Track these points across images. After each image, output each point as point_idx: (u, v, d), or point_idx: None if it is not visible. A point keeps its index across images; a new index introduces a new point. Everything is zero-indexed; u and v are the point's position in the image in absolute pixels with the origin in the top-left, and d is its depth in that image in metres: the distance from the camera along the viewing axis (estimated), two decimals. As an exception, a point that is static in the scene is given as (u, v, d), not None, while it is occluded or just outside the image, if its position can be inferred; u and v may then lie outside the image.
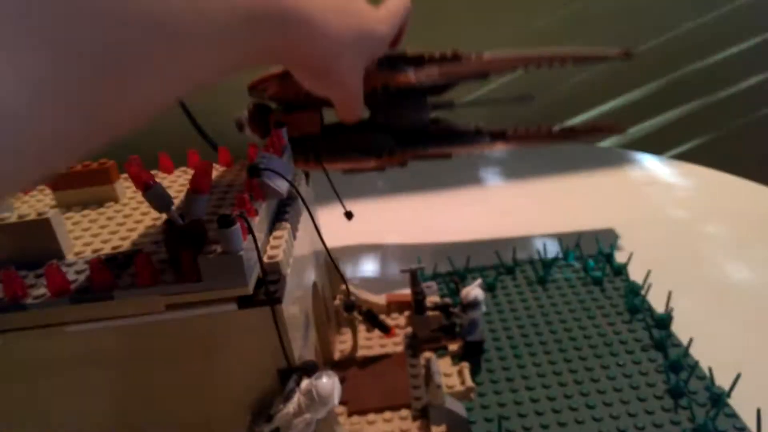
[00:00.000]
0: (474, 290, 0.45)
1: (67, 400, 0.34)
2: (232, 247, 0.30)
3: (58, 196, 0.43)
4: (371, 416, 0.43)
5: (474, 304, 0.45)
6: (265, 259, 0.34)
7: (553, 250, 0.61)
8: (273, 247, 0.35)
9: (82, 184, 0.43)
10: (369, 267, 0.65)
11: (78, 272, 0.33)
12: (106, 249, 0.36)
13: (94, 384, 0.34)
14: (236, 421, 0.35)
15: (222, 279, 0.31)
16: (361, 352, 0.50)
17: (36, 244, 0.35)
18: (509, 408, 0.42)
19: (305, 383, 0.32)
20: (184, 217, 0.32)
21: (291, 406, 0.32)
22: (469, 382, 0.41)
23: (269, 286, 0.32)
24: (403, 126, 0.55)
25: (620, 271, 0.56)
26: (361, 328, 0.51)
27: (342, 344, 0.51)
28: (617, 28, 0.98)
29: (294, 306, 0.35)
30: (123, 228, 0.39)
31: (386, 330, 0.49)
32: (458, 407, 0.38)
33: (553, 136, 0.59)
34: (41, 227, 0.35)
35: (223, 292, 0.31)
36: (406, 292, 0.52)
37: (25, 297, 0.31)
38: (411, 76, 0.53)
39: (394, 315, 0.54)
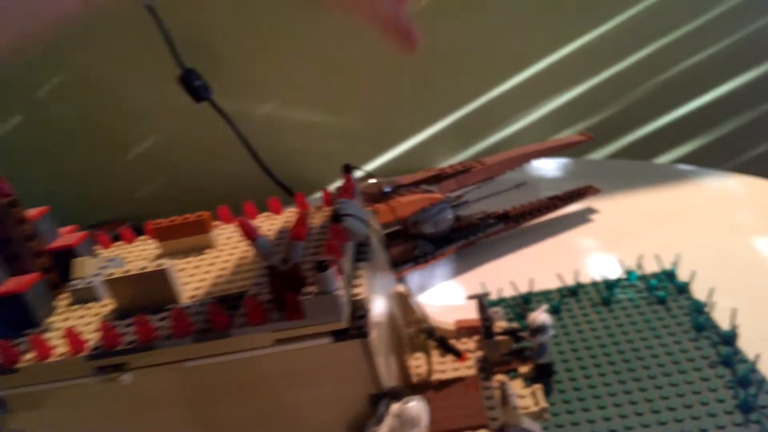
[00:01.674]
0: (541, 315, 0.47)
1: (185, 429, 0.39)
2: (329, 288, 0.34)
3: (163, 245, 0.49)
4: (450, 437, 0.46)
5: (542, 329, 0.47)
6: (352, 296, 0.38)
7: (614, 270, 0.63)
8: (357, 286, 0.39)
9: (183, 234, 0.48)
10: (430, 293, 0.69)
11: (195, 314, 0.38)
12: (215, 293, 0.41)
13: (208, 414, 0.39)
14: (332, 445, 0.39)
15: (321, 315, 0.35)
16: (435, 376, 0.53)
17: (155, 292, 0.40)
18: (583, 427, 0.45)
19: (395, 407, 0.36)
20: (284, 261, 0.37)
21: (384, 429, 0.36)
22: (543, 403, 0.44)
23: (357, 321, 0.36)
24: (439, 231, 0.70)
25: (683, 289, 0.58)
26: (434, 353, 0.54)
27: (416, 369, 0.54)
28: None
29: (378, 336, 0.39)
30: (225, 272, 0.44)
31: (458, 355, 0.52)
32: (535, 427, 0.41)
33: (542, 208, 0.76)
34: (159, 277, 0.40)
35: (322, 327, 0.35)
36: (475, 317, 0.56)
37: (155, 338, 0.36)
38: (438, 193, 0.70)
39: (464, 339, 0.58)
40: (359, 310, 0.37)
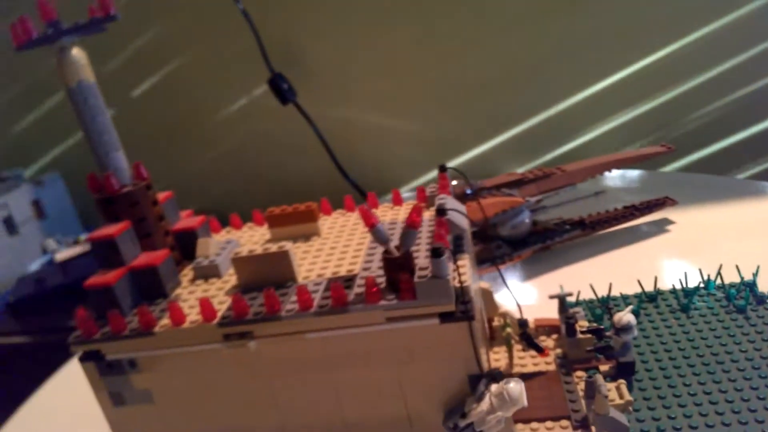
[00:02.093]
0: (627, 315, 0.50)
1: (299, 395, 0.43)
2: (442, 273, 0.38)
3: (273, 232, 0.54)
4: (534, 425, 0.48)
5: (627, 328, 0.50)
6: (456, 284, 0.42)
7: (693, 279, 0.64)
8: (461, 274, 0.43)
9: (292, 222, 0.53)
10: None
11: (313, 291, 0.42)
12: (327, 274, 0.45)
13: (320, 382, 0.43)
14: (430, 417, 0.42)
15: (432, 297, 0.39)
16: (516, 369, 0.56)
17: (276, 271, 0.45)
18: (664, 422, 0.47)
19: (495, 387, 0.39)
20: (396, 247, 0.41)
21: (484, 405, 0.39)
22: (627, 396, 0.46)
23: (463, 306, 0.40)
24: (517, 234, 0.73)
25: (763, 299, 0.59)
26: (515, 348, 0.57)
27: (495, 362, 0.57)
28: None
29: (478, 323, 0.42)
30: (332, 258, 0.48)
31: (540, 350, 0.55)
32: (621, 417, 0.43)
33: (618, 217, 0.78)
34: (281, 257, 0.44)
35: (432, 309, 0.39)
36: (552, 317, 0.59)
37: (280, 310, 0.41)
38: (518, 197, 0.72)
39: (542, 337, 0.60)
40: (464, 296, 0.41)
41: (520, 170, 0.80)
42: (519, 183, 0.74)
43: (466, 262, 0.44)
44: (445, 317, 0.39)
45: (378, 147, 1.15)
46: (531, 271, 0.74)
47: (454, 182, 0.74)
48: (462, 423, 0.40)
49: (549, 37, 1.00)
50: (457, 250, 0.47)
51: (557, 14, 0.99)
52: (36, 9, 0.43)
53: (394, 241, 0.41)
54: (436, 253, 0.38)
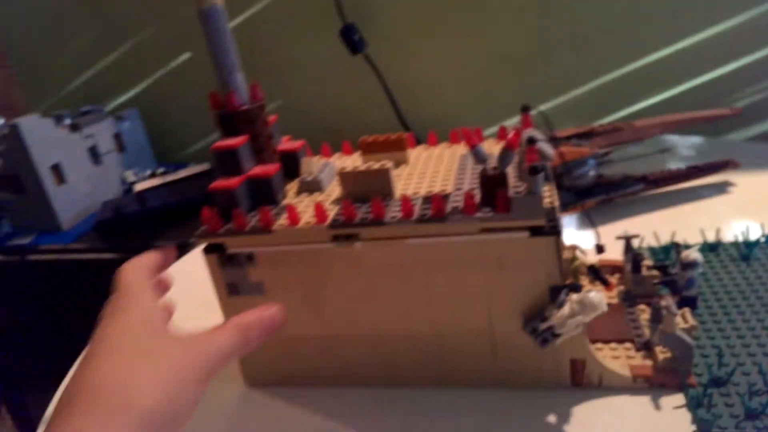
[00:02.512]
0: (694, 253, 0.53)
1: (395, 296, 0.48)
2: (537, 190, 0.42)
3: (365, 158, 0.58)
4: (599, 345, 0.53)
5: (693, 264, 0.53)
6: (545, 204, 0.46)
7: (754, 233, 0.67)
8: (548, 196, 0.47)
9: (384, 150, 0.57)
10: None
11: (413, 203, 0.47)
12: (421, 192, 0.50)
13: (416, 285, 0.48)
14: (511, 324, 0.47)
15: (526, 212, 0.43)
16: (581, 301, 0.60)
17: (376, 186, 0.49)
18: (724, 350, 0.50)
19: (576, 296, 0.44)
20: (494, 168, 0.45)
21: (566, 310, 0.44)
22: (692, 321, 0.50)
23: (550, 222, 0.44)
24: (581, 185, 0.76)
25: (824, 255, 0.61)
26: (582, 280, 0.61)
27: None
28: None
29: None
30: (424, 180, 0.52)
31: (606, 283, 0.59)
32: (686, 336, 0.47)
33: (681, 175, 0.80)
34: (382, 174, 0.49)
35: (525, 222, 0.43)
36: (613, 258, 0.63)
37: (384, 216, 0.46)
38: (587, 148, 0.75)
39: (606, 276, 0.64)
40: (550, 214, 0.45)
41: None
42: (589, 135, 0.77)
43: (550, 185, 0.49)
44: (535, 231, 0.44)
45: (441, 101, 1.18)
46: (594, 221, 0.77)
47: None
48: (542, 326, 0.45)
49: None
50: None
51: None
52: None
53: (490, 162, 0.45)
54: (534, 170, 0.42)
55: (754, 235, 0.67)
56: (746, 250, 0.64)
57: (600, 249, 0.54)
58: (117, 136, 1.19)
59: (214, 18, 0.50)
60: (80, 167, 1.09)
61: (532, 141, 0.48)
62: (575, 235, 0.75)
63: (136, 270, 0.42)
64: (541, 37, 1.07)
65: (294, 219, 0.47)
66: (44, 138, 1.02)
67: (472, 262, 0.46)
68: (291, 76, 1.22)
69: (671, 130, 0.79)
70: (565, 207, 0.77)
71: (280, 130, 0.59)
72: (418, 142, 0.64)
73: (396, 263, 0.47)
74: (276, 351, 0.53)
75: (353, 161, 0.61)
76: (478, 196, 0.46)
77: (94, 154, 1.12)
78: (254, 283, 0.50)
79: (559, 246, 0.44)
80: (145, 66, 1.29)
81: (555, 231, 0.44)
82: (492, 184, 0.44)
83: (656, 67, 1.05)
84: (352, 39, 1.07)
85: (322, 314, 0.51)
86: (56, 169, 1.05)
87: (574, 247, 0.61)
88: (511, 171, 0.50)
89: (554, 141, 0.75)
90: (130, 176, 1.18)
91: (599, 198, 0.78)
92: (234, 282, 0.50)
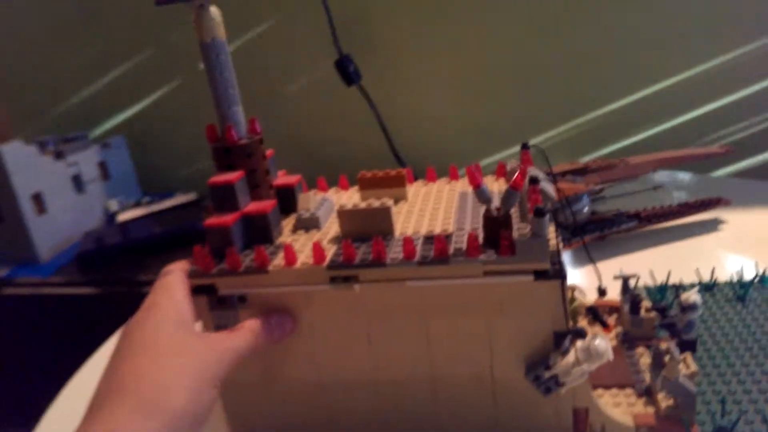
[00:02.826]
0: (694, 294, 0.53)
1: (394, 339, 0.47)
2: (542, 232, 0.41)
3: (363, 194, 0.57)
4: (599, 391, 0.52)
5: (693, 307, 0.52)
6: (551, 246, 0.45)
7: (748, 272, 0.67)
8: (552, 238, 0.46)
9: (383, 186, 0.56)
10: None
11: (414, 244, 0.46)
12: (421, 232, 0.49)
13: (415, 328, 0.46)
14: (513, 370, 0.46)
15: (530, 255, 0.42)
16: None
17: (376, 225, 0.48)
18: (726, 395, 0.50)
19: (581, 343, 0.43)
20: (497, 208, 0.44)
21: (570, 358, 0.42)
22: (694, 367, 0.49)
23: (555, 265, 0.43)
24: (577, 221, 0.76)
25: (818, 296, 0.61)
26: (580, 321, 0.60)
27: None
28: None
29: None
30: (424, 218, 0.51)
31: (605, 325, 0.58)
32: (689, 383, 0.46)
33: (673, 212, 0.81)
34: (383, 212, 0.48)
35: (530, 265, 0.42)
36: (612, 299, 0.62)
37: (385, 257, 0.44)
38: (582, 185, 0.75)
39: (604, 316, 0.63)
40: (554, 257, 0.44)
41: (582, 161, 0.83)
42: (583, 171, 0.77)
43: (553, 227, 0.48)
44: (539, 274, 0.43)
45: (437, 133, 1.19)
46: (586, 258, 0.77)
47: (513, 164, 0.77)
48: (546, 374, 0.44)
49: (616, 30, 1.02)
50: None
51: (628, 8, 1.01)
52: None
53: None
54: (538, 212, 0.41)
55: (748, 274, 0.67)
56: (741, 290, 0.64)
57: (602, 292, 0.53)
58: (102, 164, 1.17)
59: (217, 51, 0.49)
60: (62, 196, 1.07)
61: (534, 181, 0.48)
62: (573, 273, 0.75)
63: (176, 270, 0.45)
64: (535, 70, 1.08)
65: (291, 259, 0.46)
66: (26, 165, 1.00)
67: (474, 305, 0.45)
68: (286, 107, 1.21)
69: (663, 167, 0.80)
70: (562, 243, 0.76)
71: (276, 163, 0.58)
72: (416, 175, 0.63)
73: (395, 305, 0.46)
74: (265, 394, 0.51)
75: (350, 197, 0.60)
76: (481, 237, 0.45)
77: (78, 183, 1.10)
78: (247, 326, 0.48)
79: (564, 290, 0.43)
80: (133, 92, 1.27)
81: (560, 274, 0.43)
82: (496, 226, 0.43)
83: (648, 103, 1.06)
84: (347, 70, 1.07)
85: (315, 358, 0.49)
86: (37, 198, 1.02)
87: (572, 288, 0.60)
88: (513, 211, 0.49)
89: (552, 178, 0.75)
90: (113, 205, 1.15)
91: (593, 235, 0.78)
92: (224, 324, 0.48)
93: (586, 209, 0.77)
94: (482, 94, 1.13)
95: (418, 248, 0.45)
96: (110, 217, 1.16)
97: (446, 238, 0.46)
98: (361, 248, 0.46)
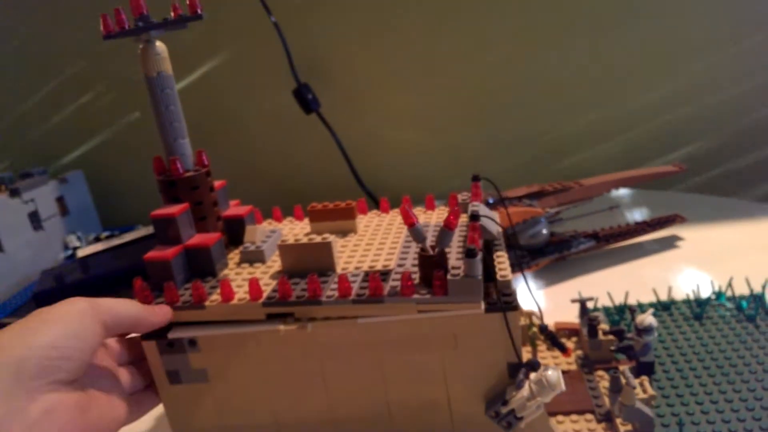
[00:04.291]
0: (648, 317, 0.53)
1: (348, 377, 0.46)
2: (474, 273, 0.41)
3: (313, 226, 0.56)
4: (560, 417, 0.52)
5: (648, 329, 0.53)
6: (499, 278, 0.45)
7: (704, 290, 0.68)
8: (502, 269, 0.46)
9: (332, 218, 0.56)
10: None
11: (351, 281, 0.45)
12: (363, 267, 0.48)
13: (369, 365, 0.45)
14: (471, 405, 0.45)
15: (463, 295, 0.42)
16: (539, 368, 0.59)
17: (318, 260, 0.47)
18: (683, 417, 0.50)
19: (534, 375, 0.42)
20: (432, 248, 0.44)
21: (524, 392, 0.42)
22: (651, 391, 0.49)
23: (506, 297, 0.43)
24: (535, 244, 0.77)
25: (773, 311, 0.62)
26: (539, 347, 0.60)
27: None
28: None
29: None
30: (369, 253, 0.51)
31: (564, 350, 0.58)
32: (646, 408, 0.46)
33: (630, 231, 0.82)
34: (324, 248, 0.47)
35: (461, 306, 0.42)
36: (572, 321, 0.62)
37: (321, 295, 0.44)
38: (539, 208, 0.76)
39: (562, 339, 0.63)
40: (506, 288, 0.44)
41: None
42: (539, 195, 0.77)
43: (505, 258, 0.48)
44: (491, 307, 0.42)
45: (395, 158, 1.19)
46: (547, 280, 0.77)
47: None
48: (504, 410, 0.43)
49: (569, 58, 1.04)
50: (497, 247, 0.50)
51: (578, 38, 1.03)
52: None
53: (429, 241, 0.44)
54: (470, 253, 0.41)
55: (705, 291, 0.68)
56: (698, 308, 0.64)
57: (543, 328, 0.53)
58: (60, 200, 1.14)
59: (163, 85, 0.48)
60: (19, 234, 1.04)
61: (475, 218, 0.47)
62: (537, 294, 0.75)
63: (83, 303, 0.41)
64: (496, 95, 1.09)
65: (228, 294, 0.45)
66: (-20, 204, 0.97)
67: (427, 339, 0.44)
68: (248, 138, 1.21)
69: (618, 187, 0.81)
70: (520, 267, 0.77)
71: (229, 195, 0.57)
72: (375, 202, 0.63)
73: (348, 343, 0.45)
74: (221, 440, 0.49)
75: (303, 228, 0.59)
76: (417, 276, 0.45)
77: (35, 220, 1.07)
78: (197, 370, 0.47)
79: (516, 322, 0.43)
80: (91, 126, 1.25)
81: (512, 306, 0.43)
82: (430, 265, 0.43)
83: (603, 124, 1.08)
84: (305, 98, 1.07)
85: (270, 402, 0.48)
86: (-8, 237, 0.99)
87: (530, 313, 0.60)
88: (455, 247, 0.49)
89: (506, 201, 0.75)
90: (73, 241, 1.12)
91: (552, 257, 0.78)
92: (175, 369, 0.47)
93: (544, 231, 0.77)
94: (443, 120, 1.13)
95: (355, 286, 0.45)
96: (70, 253, 1.13)
97: (384, 275, 0.46)
98: (301, 284, 0.46)
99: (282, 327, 0.44)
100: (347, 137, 1.09)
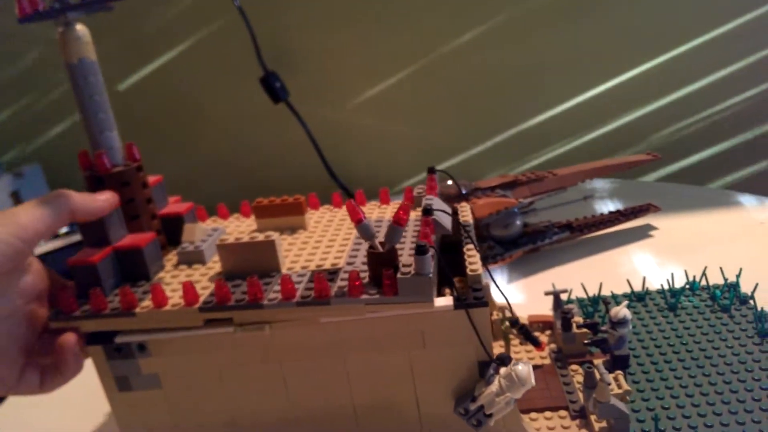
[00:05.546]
0: (623, 310, 0.51)
1: (310, 379, 0.44)
2: (425, 270, 0.39)
3: (260, 223, 0.53)
4: (533, 415, 0.50)
5: (623, 322, 0.51)
6: (469, 272, 0.43)
7: (678, 280, 0.67)
8: (472, 263, 0.44)
9: (279, 214, 0.53)
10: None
11: (297, 283, 0.42)
12: (311, 266, 0.45)
13: (332, 366, 0.43)
14: (439, 404, 0.43)
15: (413, 294, 0.39)
16: (512, 363, 0.57)
17: (261, 260, 0.44)
18: (658, 412, 0.48)
19: (504, 370, 0.40)
20: (382, 245, 0.41)
21: (494, 387, 0.40)
22: (626, 386, 0.48)
23: (476, 292, 0.41)
24: (508, 235, 0.75)
25: (746, 300, 0.61)
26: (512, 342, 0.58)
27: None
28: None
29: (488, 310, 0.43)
30: (317, 251, 0.48)
31: (538, 344, 0.56)
32: (621, 404, 0.45)
33: (604, 221, 0.81)
34: (267, 247, 0.44)
35: (412, 307, 0.39)
36: (544, 314, 0.61)
37: (262, 299, 0.41)
38: (512, 199, 0.74)
39: (536, 333, 0.61)
40: (476, 283, 0.42)
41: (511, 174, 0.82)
42: (512, 185, 0.76)
43: (474, 252, 0.46)
44: (459, 303, 0.40)
45: (368, 148, 1.16)
46: (521, 272, 0.76)
47: (449, 182, 0.75)
48: (472, 407, 0.41)
49: (540, 47, 1.03)
50: (467, 240, 0.48)
51: (548, 25, 1.01)
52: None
53: (380, 238, 0.42)
54: (420, 250, 0.38)
55: (678, 281, 0.67)
56: (672, 299, 0.63)
57: (515, 322, 0.51)
58: (15, 194, 1.09)
59: (85, 73, 0.44)
60: (-29, 231, 0.99)
61: (428, 212, 0.45)
62: (509, 288, 0.73)
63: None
64: (466, 84, 1.07)
65: (161, 300, 0.42)
66: (-73, 201, 0.92)
67: (393, 338, 0.42)
68: (213, 128, 1.17)
69: (592, 177, 0.79)
70: (494, 259, 0.75)
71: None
72: (345, 190, 0.60)
73: (309, 344, 0.42)
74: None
75: (249, 226, 0.56)
76: (366, 275, 0.42)
77: (-12, 216, 1.02)
78: (149, 376, 0.44)
79: (486, 318, 0.41)
80: (49, 118, 1.20)
81: (482, 302, 0.40)
82: (379, 264, 0.40)
83: (578, 112, 1.07)
84: (273, 87, 1.03)
85: (229, 404, 0.45)
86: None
87: (503, 307, 0.58)
88: (408, 243, 0.46)
89: (479, 192, 0.73)
90: (30, 238, 1.08)
91: (526, 248, 0.76)
92: (124, 375, 0.44)
93: (518, 222, 0.75)
94: (422, 111, 1.11)
95: (301, 287, 0.42)
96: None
97: (331, 275, 0.43)
98: (241, 287, 0.43)
99: (237, 329, 0.41)
100: (319, 128, 1.06)
